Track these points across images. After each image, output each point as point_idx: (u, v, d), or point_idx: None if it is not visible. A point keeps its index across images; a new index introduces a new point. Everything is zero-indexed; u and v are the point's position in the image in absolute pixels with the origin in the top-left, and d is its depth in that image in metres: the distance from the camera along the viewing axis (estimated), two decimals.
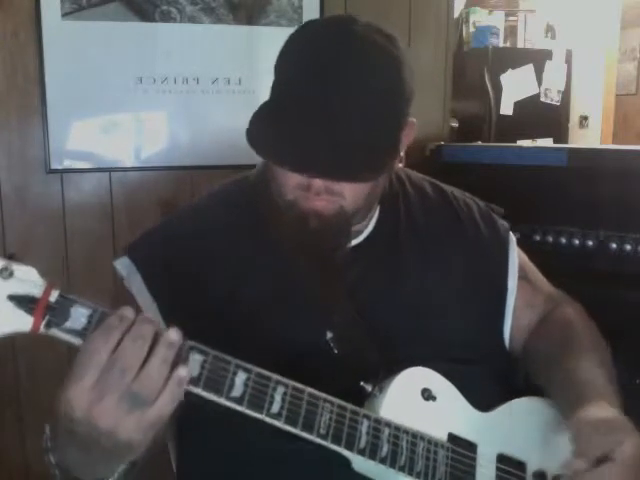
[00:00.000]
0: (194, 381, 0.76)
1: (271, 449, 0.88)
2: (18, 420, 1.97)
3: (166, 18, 1.97)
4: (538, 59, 3.48)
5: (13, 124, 1.90)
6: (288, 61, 0.94)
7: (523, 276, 1.15)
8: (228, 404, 0.77)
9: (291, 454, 0.87)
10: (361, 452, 0.84)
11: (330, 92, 0.88)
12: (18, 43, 1.86)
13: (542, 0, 3.95)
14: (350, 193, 0.93)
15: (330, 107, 0.88)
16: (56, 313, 0.73)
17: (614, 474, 0.82)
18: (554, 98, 3.56)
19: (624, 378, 1.05)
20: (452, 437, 0.92)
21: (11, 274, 0.73)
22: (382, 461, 0.85)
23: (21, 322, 0.72)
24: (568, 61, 3.64)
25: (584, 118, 4.08)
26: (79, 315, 0.73)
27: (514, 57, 3.48)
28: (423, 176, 1.20)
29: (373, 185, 0.96)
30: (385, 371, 0.93)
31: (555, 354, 1.06)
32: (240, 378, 0.78)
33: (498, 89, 3.34)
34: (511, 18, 3.79)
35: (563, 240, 1.84)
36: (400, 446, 0.87)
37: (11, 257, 0.74)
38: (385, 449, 0.86)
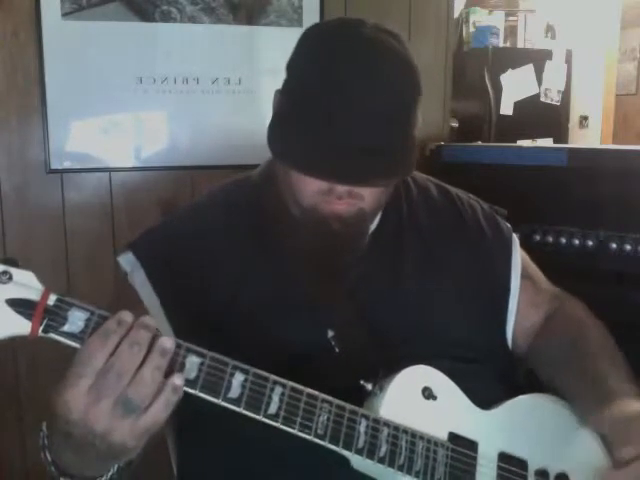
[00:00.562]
0: (191, 383, 0.76)
1: (271, 448, 0.88)
2: (18, 420, 1.97)
3: (166, 18, 1.97)
4: (538, 59, 3.48)
5: (13, 124, 1.90)
6: (306, 70, 0.93)
7: (526, 275, 1.15)
8: (225, 405, 0.77)
9: (291, 453, 0.87)
10: (359, 452, 0.84)
11: (356, 102, 0.88)
12: (18, 43, 1.87)
13: (542, 0, 3.94)
14: (370, 195, 0.94)
15: (356, 116, 0.88)
16: (54, 317, 0.73)
17: None
18: (554, 98, 3.56)
19: None
20: (453, 436, 0.92)
21: (10, 278, 0.73)
22: (380, 461, 0.85)
23: (19, 326, 0.72)
24: (568, 61, 3.64)
25: (584, 118, 4.08)
26: (77, 319, 0.74)
27: (514, 57, 3.47)
28: (427, 177, 1.20)
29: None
30: (385, 370, 0.93)
31: (569, 353, 1.07)
32: (237, 379, 0.78)
33: (498, 89, 3.34)
34: (511, 18, 3.78)
35: (563, 240, 1.84)
36: (399, 446, 0.86)
37: (10, 261, 0.74)
38: (384, 449, 0.85)
